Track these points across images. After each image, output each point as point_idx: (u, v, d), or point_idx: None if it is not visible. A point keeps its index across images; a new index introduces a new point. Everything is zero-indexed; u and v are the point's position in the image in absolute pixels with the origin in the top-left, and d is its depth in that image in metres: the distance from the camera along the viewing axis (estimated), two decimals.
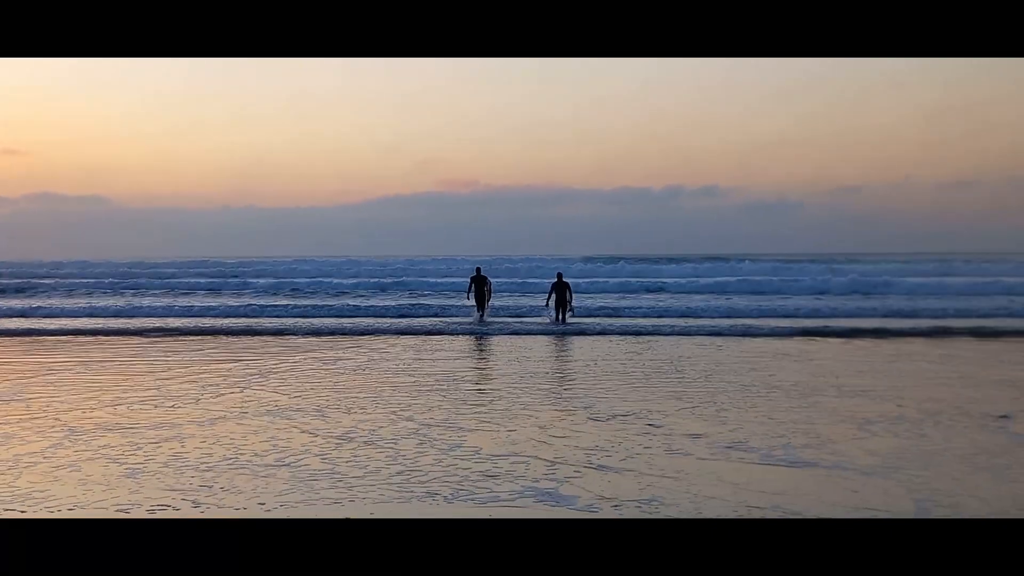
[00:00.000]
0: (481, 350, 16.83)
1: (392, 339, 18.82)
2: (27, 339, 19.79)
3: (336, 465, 7.30)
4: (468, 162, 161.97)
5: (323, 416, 9.49)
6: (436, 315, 24.29)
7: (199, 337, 19.69)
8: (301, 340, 18.92)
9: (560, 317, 21.28)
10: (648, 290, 31.94)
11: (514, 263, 43.85)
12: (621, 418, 9.23)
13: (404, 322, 22.52)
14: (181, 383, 12.16)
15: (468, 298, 22.70)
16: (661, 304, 26.34)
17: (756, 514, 5.93)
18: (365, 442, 8.18)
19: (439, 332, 20.12)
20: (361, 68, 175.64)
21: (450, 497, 6.34)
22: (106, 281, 38.32)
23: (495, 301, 24.53)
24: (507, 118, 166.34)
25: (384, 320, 23.25)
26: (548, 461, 7.37)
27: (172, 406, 10.21)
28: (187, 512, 6.06)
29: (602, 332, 19.63)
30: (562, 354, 16.01)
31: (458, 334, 19.75)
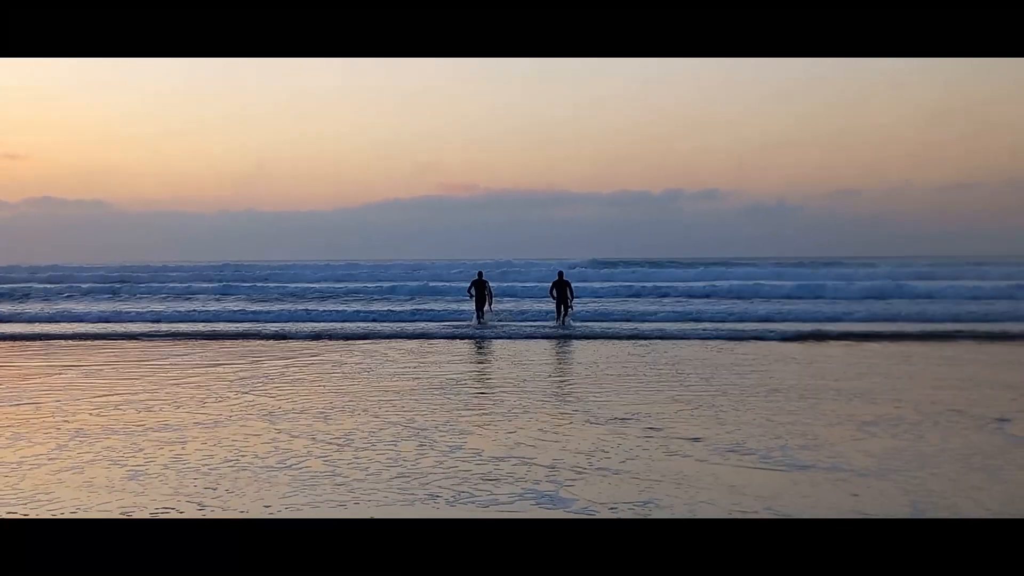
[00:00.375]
0: (481, 353, 16.90)
1: (392, 343, 18.88)
2: (33, 343, 19.87)
3: (337, 467, 7.36)
4: (467, 164, 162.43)
5: (325, 419, 9.55)
6: (437, 319, 24.35)
7: (201, 341, 19.75)
8: (302, 343, 18.98)
9: (561, 317, 21.36)
10: (648, 294, 31.97)
11: (514, 267, 43.95)
12: (621, 420, 9.29)
13: (404, 326, 22.58)
14: (185, 386, 12.22)
15: (470, 300, 22.82)
16: (661, 308, 26.41)
17: (755, 515, 5.98)
18: (366, 444, 8.24)
19: (440, 336, 20.18)
20: (361, 69, 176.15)
21: (450, 499, 6.40)
22: (106, 285, 38.41)
23: (500, 306, 24.64)
24: (506, 119, 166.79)
25: (384, 324, 23.32)
26: (548, 463, 7.43)
27: (177, 409, 10.28)
28: (191, 514, 6.12)
29: (602, 335, 19.69)
30: (562, 357, 16.08)
31: (459, 337, 19.81)
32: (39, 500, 6.47)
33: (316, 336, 20.49)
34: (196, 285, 37.81)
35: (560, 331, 20.46)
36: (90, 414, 10.01)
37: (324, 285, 37.45)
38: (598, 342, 18.58)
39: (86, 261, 58.49)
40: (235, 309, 27.76)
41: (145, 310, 27.84)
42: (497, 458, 7.65)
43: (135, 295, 34.92)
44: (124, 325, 23.98)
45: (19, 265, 51.28)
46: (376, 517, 6.01)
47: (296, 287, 36.54)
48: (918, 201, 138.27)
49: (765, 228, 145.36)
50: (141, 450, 8.12)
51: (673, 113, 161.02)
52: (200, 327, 22.88)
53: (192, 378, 13.21)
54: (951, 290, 28.97)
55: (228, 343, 19.21)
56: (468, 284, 23.29)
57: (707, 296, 30.73)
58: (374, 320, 24.43)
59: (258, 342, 19.41)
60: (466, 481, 6.88)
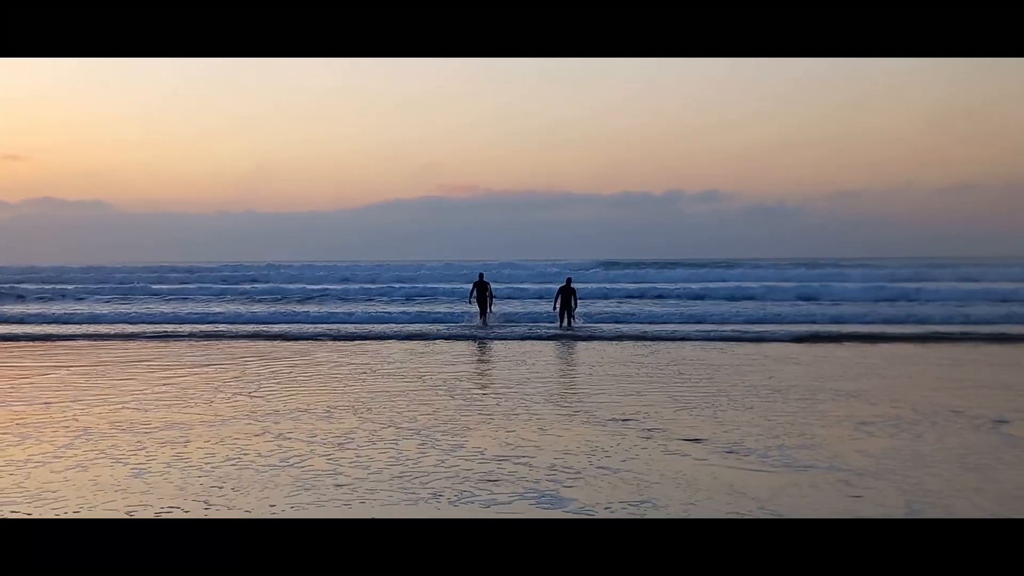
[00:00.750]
0: (483, 354, 16.98)
1: (394, 343, 18.96)
2: (34, 343, 19.95)
3: (340, 465, 7.44)
4: (468, 165, 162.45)
5: (328, 418, 9.63)
6: (438, 320, 24.41)
7: (203, 341, 19.85)
8: (303, 344, 19.06)
9: (566, 322, 21.45)
10: (649, 295, 32.03)
11: (514, 268, 44.02)
12: (622, 420, 9.36)
13: (406, 327, 22.68)
14: (188, 386, 12.30)
15: (470, 303, 22.87)
16: (662, 309, 26.50)
17: (754, 515, 6.05)
18: (368, 443, 8.31)
19: (442, 337, 20.25)
20: (362, 69, 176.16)
21: (452, 498, 6.47)
22: (107, 286, 38.52)
23: (502, 307, 24.71)
24: (507, 120, 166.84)
25: (386, 325, 23.40)
26: (548, 463, 7.50)
27: (181, 408, 10.35)
28: (197, 513, 6.20)
29: (604, 337, 19.77)
30: (563, 358, 16.15)
31: (461, 339, 19.89)
32: (44, 498, 6.54)
33: (317, 336, 20.57)
34: (197, 286, 37.90)
35: (561, 332, 20.54)
36: (95, 413, 10.09)
37: (324, 286, 37.53)
38: (599, 343, 18.65)
39: (86, 261, 58.63)
40: (236, 310, 27.84)
41: (146, 310, 27.94)
42: (498, 457, 7.72)
43: (136, 296, 35.00)
44: (125, 326, 24.07)
45: (20, 265, 51.42)
46: (377, 517, 6.08)
47: (296, 287, 36.68)
48: (919, 202, 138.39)
49: (766, 229, 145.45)
50: (145, 449, 8.20)
51: (674, 114, 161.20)
52: (201, 328, 22.98)
53: (194, 378, 13.29)
54: (951, 291, 29.03)
55: (230, 343, 19.30)
56: (470, 286, 23.38)
57: (707, 298, 30.76)
58: (375, 321, 24.51)
59: (260, 342, 19.49)
60: (467, 480, 6.96)
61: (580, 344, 18.53)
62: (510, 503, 6.34)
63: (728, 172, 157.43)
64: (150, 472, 7.33)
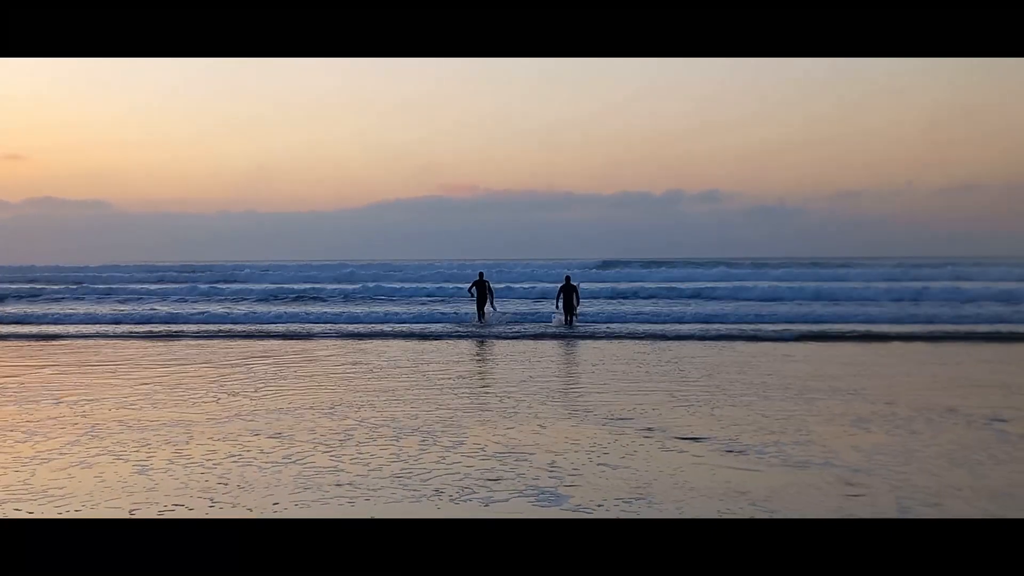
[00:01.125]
0: (484, 352, 17.08)
1: (395, 342, 19.07)
2: (35, 344, 20.05)
3: (341, 463, 7.54)
4: (469, 166, 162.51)
5: (329, 416, 9.73)
6: (438, 319, 24.50)
7: (204, 341, 19.95)
8: (303, 343, 19.17)
9: (568, 320, 21.55)
10: (649, 294, 32.10)
11: (511, 268, 44.09)
12: (620, 419, 9.46)
13: (407, 326, 22.77)
14: (191, 385, 12.40)
15: (471, 294, 23.02)
16: (661, 308, 26.58)
17: (755, 514, 6.14)
18: (369, 440, 8.41)
19: (442, 335, 20.35)
20: (362, 69, 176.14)
21: (452, 496, 6.57)
22: (108, 286, 38.60)
23: (502, 307, 24.81)
24: (507, 120, 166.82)
25: (387, 324, 23.49)
26: (548, 461, 7.59)
27: (184, 406, 10.45)
28: (202, 510, 6.28)
29: (604, 335, 19.86)
30: (563, 356, 16.25)
31: (461, 337, 19.99)
32: (50, 495, 6.63)
33: (317, 336, 20.67)
34: (197, 286, 37.94)
35: (562, 331, 20.65)
36: (100, 411, 10.18)
37: (325, 285, 37.62)
38: (600, 341, 18.75)
39: (87, 261, 58.70)
40: (237, 310, 27.93)
41: (147, 311, 28.03)
42: (498, 455, 7.82)
43: (137, 296, 35.05)
44: (126, 326, 24.17)
45: (20, 265, 51.51)
46: (378, 516, 6.17)
47: (297, 287, 36.77)
48: (919, 202, 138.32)
49: (766, 229, 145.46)
50: (149, 446, 8.30)
51: (674, 114, 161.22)
52: (201, 328, 23.08)
53: (197, 376, 13.39)
54: (951, 291, 29.09)
55: (231, 343, 19.40)
56: (469, 284, 23.50)
57: (706, 297, 30.86)
58: (376, 320, 24.59)
59: (261, 342, 19.60)
60: (467, 477, 7.05)
61: (580, 342, 18.63)
62: (510, 500, 6.43)
63: (728, 172, 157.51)
64: (154, 469, 7.42)
